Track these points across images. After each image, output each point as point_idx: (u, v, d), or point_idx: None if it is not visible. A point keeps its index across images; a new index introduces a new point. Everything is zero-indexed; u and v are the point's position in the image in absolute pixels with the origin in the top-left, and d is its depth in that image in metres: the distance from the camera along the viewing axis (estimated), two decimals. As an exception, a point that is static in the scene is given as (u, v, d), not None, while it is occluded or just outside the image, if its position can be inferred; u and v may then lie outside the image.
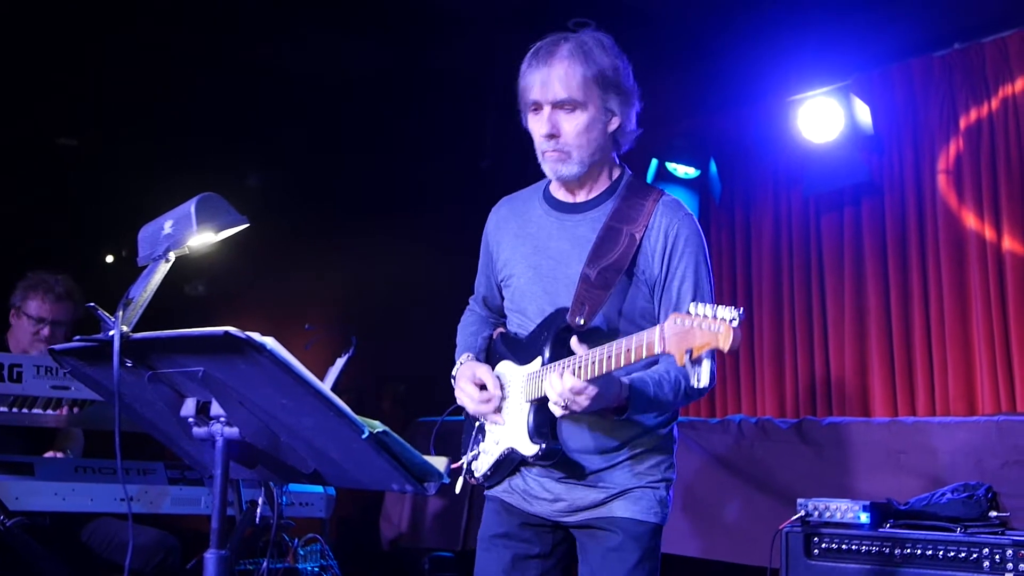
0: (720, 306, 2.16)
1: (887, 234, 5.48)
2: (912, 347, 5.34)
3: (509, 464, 2.77)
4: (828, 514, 3.94)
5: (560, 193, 2.86)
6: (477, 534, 2.94)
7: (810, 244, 5.80)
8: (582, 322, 2.60)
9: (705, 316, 2.16)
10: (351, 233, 7.33)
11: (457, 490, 2.89)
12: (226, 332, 1.78)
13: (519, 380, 2.74)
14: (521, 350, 2.78)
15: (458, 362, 2.93)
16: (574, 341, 2.51)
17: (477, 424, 2.90)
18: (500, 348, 2.91)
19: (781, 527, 4.00)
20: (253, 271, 7.70)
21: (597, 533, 2.74)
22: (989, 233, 5.09)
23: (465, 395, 2.80)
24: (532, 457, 2.65)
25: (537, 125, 2.72)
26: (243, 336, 1.77)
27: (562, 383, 2.43)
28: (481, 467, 2.84)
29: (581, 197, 2.82)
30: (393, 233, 7.18)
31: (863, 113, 5.31)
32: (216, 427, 2.07)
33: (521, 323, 2.86)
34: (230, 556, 2.05)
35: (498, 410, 2.76)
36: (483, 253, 3.05)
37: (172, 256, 2.07)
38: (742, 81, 5.83)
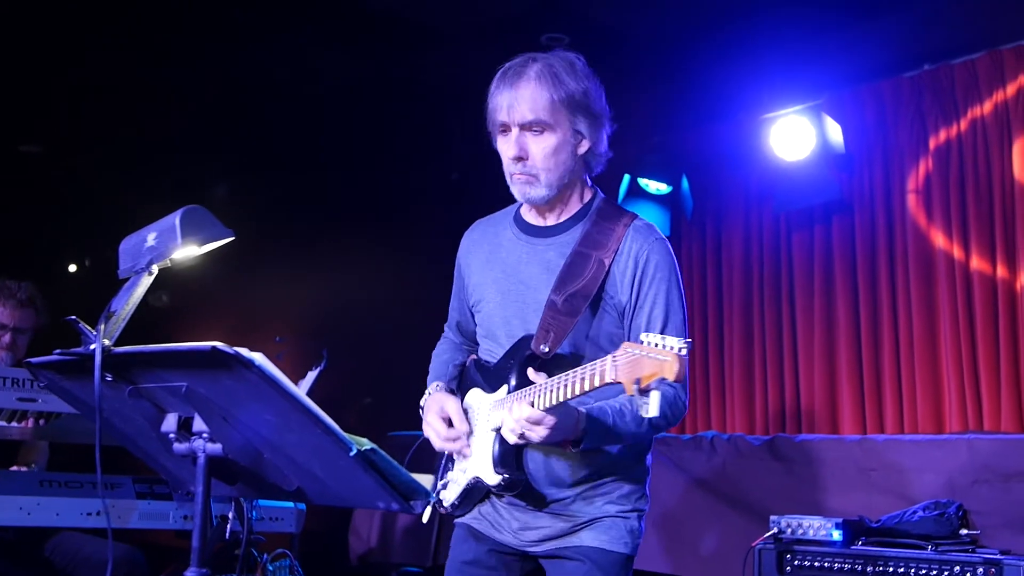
0: (669, 336, 2.13)
1: (857, 252, 5.53)
2: (881, 365, 5.39)
3: (477, 494, 2.72)
4: (801, 531, 3.95)
5: (531, 216, 2.81)
6: (447, 553, 2.90)
7: (781, 261, 5.84)
8: (547, 350, 2.55)
9: (654, 345, 2.12)
10: (321, 244, 7.27)
11: (425, 519, 2.85)
12: (213, 347, 1.75)
13: (486, 408, 2.69)
14: (490, 377, 2.73)
15: (427, 391, 2.86)
16: (530, 371, 2.48)
17: (447, 452, 2.85)
18: (473, 375, 2.85)
19: (754, 544, 4.01)
20: (219, 282, 7.63)
21: (565, 563, 2.68)
22: (958, 252, 5.15)
23: (432, 430, 2.74)
24: (495, 487, 2.60)
25: (505, 147, 2.67)
26: (231, 351, 1.74)
27: (520, 412, 2.40)
28: (449, 496, 2.78)
29: (551, 220, 2.77)
30: (363, 245, 7.14)
31: (834, 132, 5.36)
32: (198, 443, 2.03)
33: (491, 349, 2.80)
34: (210, 574, 2.01)
35: (465, 446, 2.71)
36: (456, 278, 2.99)
37: (155, 269, 2.03)
38: (715, 98, 5.86)
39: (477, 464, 2.67)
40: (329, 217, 7.50)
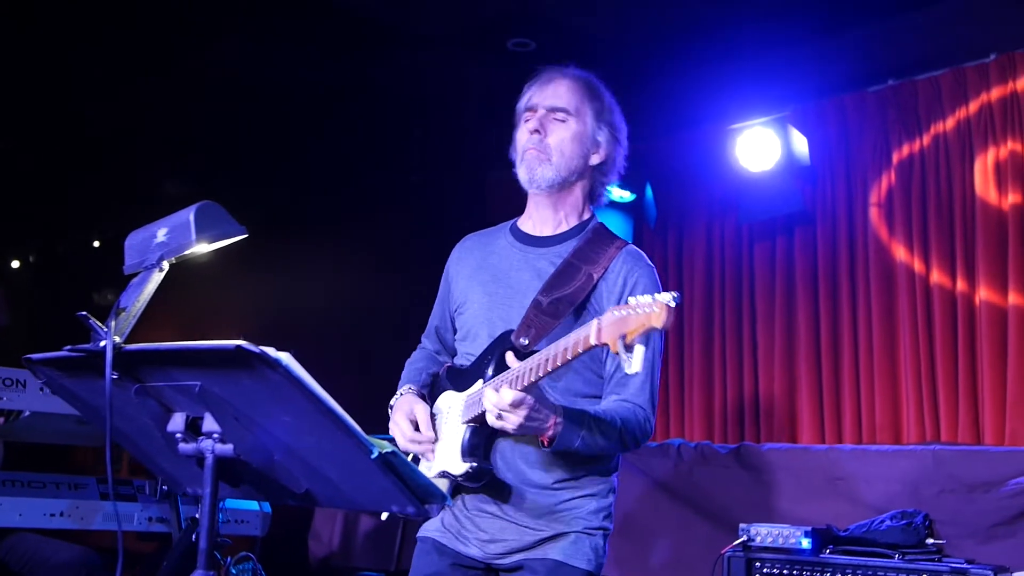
0: (659, 294, 2.20)
1: (819, 264, 5.59)
2: (840, 375, 5.45)
3: None
4: (771, 539, 3.99)
5: (528, 225, 2.89)
6: (409, 554, 2.88)
7: (742, 271, 5.88)
8: (526, 342, 2.59)
9: (641, 303, 2.19)
10: (278, 245, 7.20)
11: (384, 516, 2.83)
12: (238, 346, 1.72)
13: (458, 406, 2.71)
14: (465, 377, 2.76)
15: (398, 392, 2.88)
16: (509, 356, 2.50)
17: (410, 456, 2.83)
18: (444, 382, 2.88)
19: (723, 551, 4.04)
20: (168, 282, 7.50)
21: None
22: (918, 266, 5.23)
23: (398, 429, 2.76)
24: (461, 476, 2.60)
25: (526, 124, 2.79)
26: (256, 351, 1.71)
27: (498, 396, 2.40)
28: None
29: (547, 231, 2.85)
30: (322, 246, 7.08)
31: (800, 144, 5.41)
32: (206, 444, 1.98)
33: (469, 352, 2.82)
34: (217, 578, 1.97)
35: (430, 450, 2.73)
36: (442, 285, 3.05)
37: (166, 265, 1.99)
38: (682, 107, 5.90)
39: (444, 458, 2.68)
40: (288, 218, 7.43)
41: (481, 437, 2.62)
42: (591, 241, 2.78)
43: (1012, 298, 4.91)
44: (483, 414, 2.51)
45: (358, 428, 1.81)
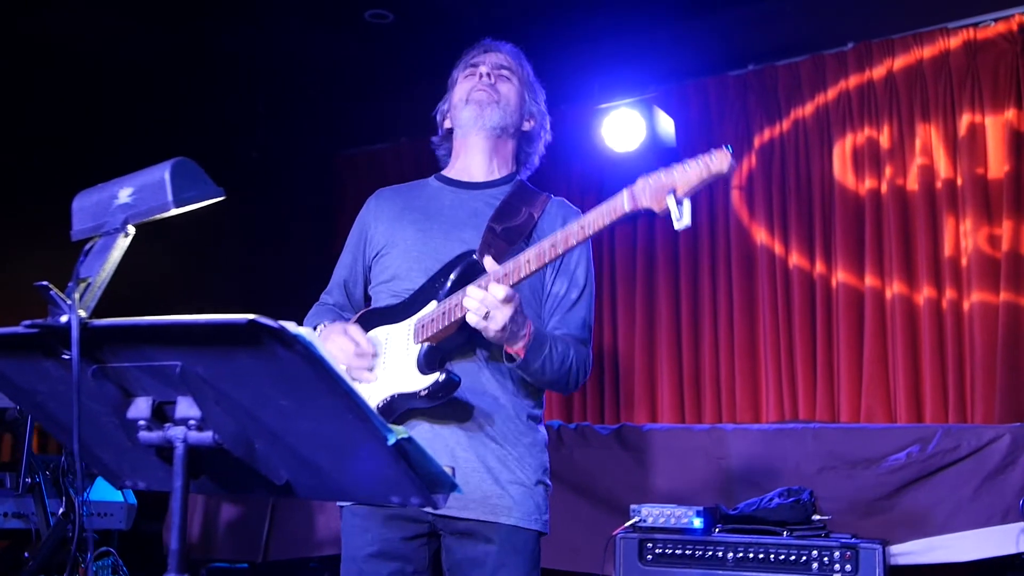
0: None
1: (680, 245, 5.65)
2: (701, 355, 5.53)
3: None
4: (662, 519, 3.98)
5: (456, 172, 2.89)
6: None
7: (603, 251, 5.89)
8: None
9: (687, 162, 2.30)
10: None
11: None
12: (251, 321, 1.51)
13: (402, 334, 2.62)
14: (403, 308, 2.68)
15: (320, 326, 2.74)
16: (488, 260, 2.48)
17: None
18: (364, 325, 2.75)
19: (615, 533, 4.00)
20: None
21: (477, 545, 2.60)
22: (778, 248, 5.36)
23: (336, 347, 2.63)
24: (426, 389, 2.51)
25: (476, 69, 2.84)
26: (275, 326, 1.50)
27: (486, 292, 2.38)
28: None
29: (479, 177, 2.85)
30: (152, 225, 6.67)
31: (667, 125, 5.43)
32: (176, 431, 1.76)
33: (397, 291, 2.73)
34: (189, 581, 1.76)
35: (370, 369, 2.64)
36: (354, 235, 2.95)
37: (131, 229, 1.75)
38: (547, 86, 5.81)
39: (391, 382, 2.59)
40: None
41: (436, 355, 2.58)
42: (521, 189, 2.83)
43: (868, 280, 5.09)
44: (447, 327, 2.49)
45: (375, 412, 1.63)
